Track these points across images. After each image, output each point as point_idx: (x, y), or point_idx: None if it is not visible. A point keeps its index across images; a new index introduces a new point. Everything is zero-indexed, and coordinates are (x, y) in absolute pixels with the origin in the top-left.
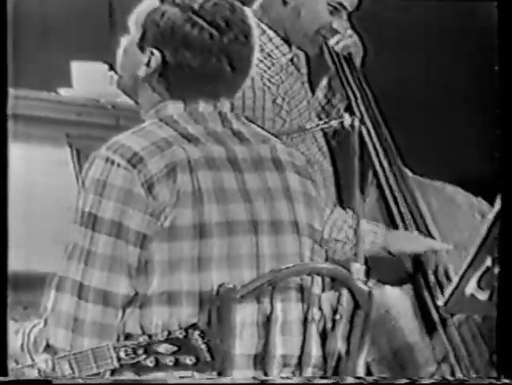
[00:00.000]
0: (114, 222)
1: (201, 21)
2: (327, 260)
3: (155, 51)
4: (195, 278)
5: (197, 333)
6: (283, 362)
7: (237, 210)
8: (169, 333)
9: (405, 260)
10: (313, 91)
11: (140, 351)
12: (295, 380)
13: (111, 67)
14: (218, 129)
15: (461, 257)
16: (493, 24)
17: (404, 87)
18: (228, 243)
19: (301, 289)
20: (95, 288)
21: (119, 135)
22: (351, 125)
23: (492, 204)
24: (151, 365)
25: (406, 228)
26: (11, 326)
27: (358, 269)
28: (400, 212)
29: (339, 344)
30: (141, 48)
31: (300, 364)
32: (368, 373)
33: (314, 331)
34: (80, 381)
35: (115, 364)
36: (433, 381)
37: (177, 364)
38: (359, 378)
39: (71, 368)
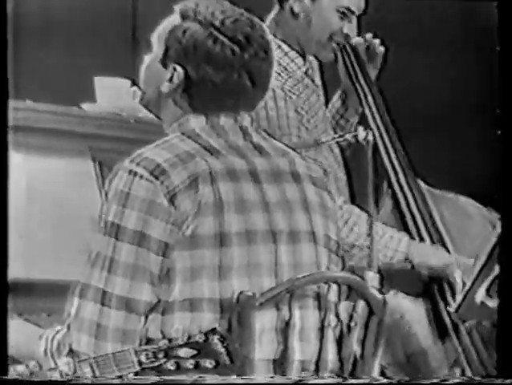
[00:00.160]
0: (136, 231)
1: (222, 37)
2: (343, 268)
3: (178, 67)
4: (216, 286)
5: (216, 337)
6: (301, 367)
7: (256, 220)
8: (189, 337)
9: (423, 271)
10: (327, 102)
11: (161, 355)
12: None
13: (134, 83)
14: (239, 142)
15: (472, 265)
16: (493, 24)
17: (404, 87)
18: (247, 252)
19: (318, 297)
20: (117, 295)
21: (143, 149)
22: (365, 139)
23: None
24: (172, 368)
25: (421, 238)
26: (36, 331)
27: (372, 277)
28: (415, 222)
29: (354, 349)
30: (164, 64)
31: (317, 369)
32: (383, 376)
33: (330, 337)
34: (83, 381)
35: (137, 368)
36: (434, 381)
37: (197, 367)
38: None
39: (93, 371)
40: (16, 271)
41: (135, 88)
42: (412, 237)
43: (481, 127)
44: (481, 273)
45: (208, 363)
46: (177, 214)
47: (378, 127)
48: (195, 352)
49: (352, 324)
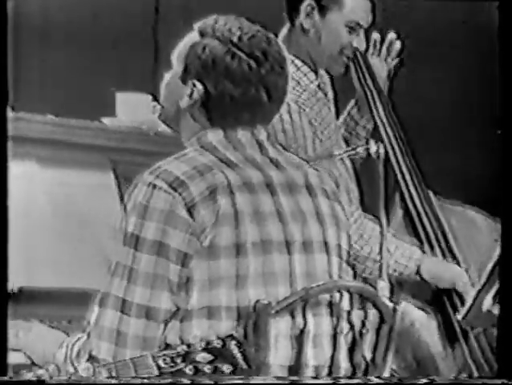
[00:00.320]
0: (156, 242)
1: (240, 52)
2: (354, 277)
3: (197, 83)
4: (233, 294)
5: (233, 343)
6: (315, 373)
7: (271, 231)
8: (207, 343)
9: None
10: (338, 114)
11: (179, 360)
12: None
13: (154, 98)
14: (256, 156)
15: (478, 275)
16: (494, 24)
17: (404, 88)
18: (263, 261)
19: (331, 305)
20: (137, 304)
21: (161, 161)
22: (377, 152)
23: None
24: (190, 373)
25: (431, 247)
26: (56, 337)
27: (383, 286)
28: (425, 231)
29: (366, 355)
30: (184, 81)
31: (330, 374)
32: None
33: (343, 344)
34: (83, 381)
35: (155, 372)
36: (437, 382)
37: (215, 372)
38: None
39: (111, 376)
40: (36, 279)
41: (155, 103)
42: (422, 249)
43: (482, 127)
44: (488, 282)
45: (225, 368)
46: (196, 225)
47: (389, 138)
48: (212, 357)
49: (364, 330)
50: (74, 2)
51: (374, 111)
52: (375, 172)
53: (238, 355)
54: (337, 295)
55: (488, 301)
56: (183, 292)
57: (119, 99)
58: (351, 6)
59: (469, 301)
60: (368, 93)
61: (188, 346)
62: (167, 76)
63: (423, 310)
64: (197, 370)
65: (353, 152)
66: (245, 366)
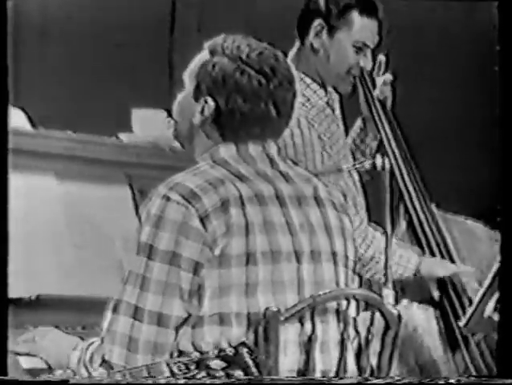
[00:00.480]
0: (168, 251)
1: (249, 69)
2: (360, 285)
3: (209, 99)
4: (243, 302)
5: (245, 350)
6: (322, 376)
7: (281, 241)
8: (220, 350)
9: (432, 284)
10: (346, 130)
11: (193, 367)
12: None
13: (169, 114)
14: (267, 169)
15: (480, 282)
16: (494, 24)
17: (404, 87)
18: (272, 270)
19: (338, 312)
20: (149, 310)
21: (176, 175)
22: (383, 166)
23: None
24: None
25: (433, 256)
26: (71, 342)
27: (387, 294)
28: (428, 242)
29: (371, 360)
30: (196, 98)
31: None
32: None
33: (349, 349)
34: (81, 381)
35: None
36: (436, 382)
37: (227, 378)
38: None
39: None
40: (53, 287)
41: (170, 119)
42: (423, 253)
43: (482, 127)
44: (490, 289)
45: (237, 374)
46: (208, 235)
47: (394, 154)
48: (225, 364)
49: (370, 336)
50: (88, 21)
51: (380, 128)
52: (381, 184)
53: (250, 362)
54: (344, 303)
55: (490, 308)
56: (195, 299)
57: (136, 115)
58: (359, 26)
59: (471, 308)
60: (374, 111)
61: (202, 353)
62: (179, 95)
63: (425, 313)
64: (209, 377)
65: (360, 166)
66: (256, 373)
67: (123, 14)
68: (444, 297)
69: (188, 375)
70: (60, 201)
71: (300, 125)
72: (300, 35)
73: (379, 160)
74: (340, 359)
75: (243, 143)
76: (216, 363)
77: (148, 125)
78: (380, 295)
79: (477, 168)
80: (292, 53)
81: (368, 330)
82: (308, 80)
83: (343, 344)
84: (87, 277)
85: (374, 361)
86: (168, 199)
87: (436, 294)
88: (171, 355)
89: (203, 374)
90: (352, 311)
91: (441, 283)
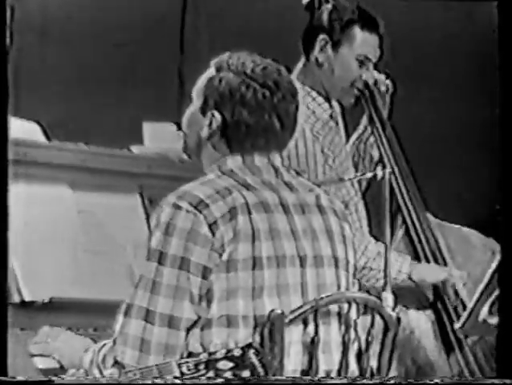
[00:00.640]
0: (178, 257)
1: (254, 83)
2: (359, 289)
3: (216, 113)
4: (250, 304)
5: (252, 351)
6: (325, 376)
7: (285, 246)
8: (228, 351)
9: (427, 289)
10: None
11: (201, 367)
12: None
13: (179, 127)
14: (272, 179)
15: (475, 287)
16: (494, 24)
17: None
18: (277, 274)
19: (339, 315)
20: (160, 313)
21: (185, 185)
22: (383, 177)
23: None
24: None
25: (428, 263)
26: (83, 343)
27: (387, 297)
28: (423, 249)
29: (371, 361)
30: (203, 112)
31: (340, 377)
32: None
33: (351, 350)
34: (84, 381)
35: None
36: (437, 381)
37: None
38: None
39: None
40: (66, 291)
41: (179, 132)
42: (418, 259)
43: (481, 127)
44: (484, 294)
45: (244, 375)
46: (216, 241)
47: (391, 166)
48: (233, 364)
49: (370, 338)
50: (103, 36)
51: (379, 141)
52: (381, 195)
53: (257, 363)
54: (345, 306)
55: (484, 312)
56: (204, 302)
57: (147, 128)
58: (361, 41)
59: (466, 312)
60: (375, 124)
61: (210, 354)
62: (188, 110)
63: (421, 316)
64: (217, 377)
65: (362, 177)
66: (262, 373)
67: (136, 32)
68: (438, 301)
69: (196, 375)
70: (74, 210)
71: (305, 137)
72: (305, 50)
73: (379, 172)
74: (342, 360)
75: (249, 154)
76: (223, 364)
77: (159, 138)
78: (380, 298)
79: (477, 168)
80: (298, 68)
81: (369, 333)
82: (314, 94)
83: (344, 345)
84: (98, 281)
85: (374, 362)
86: (177, 207)
87: (430, 298)
88: (181, 356)
89: (211, 374)
90: (353, 314)
91: (434, 287)
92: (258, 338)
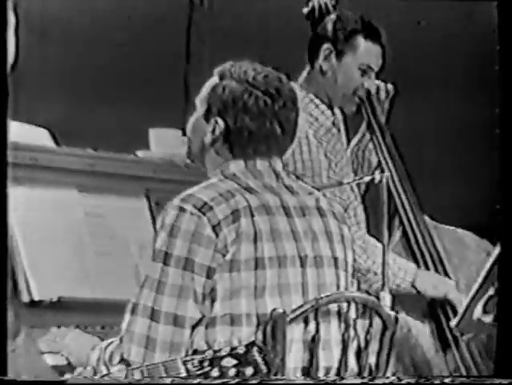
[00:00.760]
0: (183, 257)
1: (255, 90)
2: (358, 289)
3: (219, 119)
4: (252, 303)
5: (255, 349)
6: (325, 372)
7: (286, 247)
8: (232, 349)
9: (426, 295)
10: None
11: (206, 364)
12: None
13: (184, 133)
14: (273, 184)
15: (470, 287)
16: (493, 24)
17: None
18: (279, 274)
19: (339, 313)
20: (165, 312)
21: (190, 189)
22: (380, 181)
23: (494, 243)
24: (215, 375)
25: (425, 264)
26: (90, 341)
27: (385, 297)
28: (420, 250)
29: (370, 359)
30: (207, 119)
31: (339, 374)
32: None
33: (351, 347)
34: (86, 381)
35: (184, 374)
36: (436, 382)
37: (238, 375)
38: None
39: (143, 377)
40: (74, 290)
41: (184, 137)
42: (418, 266)
43: (481, 127)
44: (478, 294)
45: (247, 371)
46: (220, 242)
47: (390, 171)
48: (236, 361)
49: (369, 337)
50: (105, 43)
51: (377, 147)
52: (379, 198)
53: (260, 360)
54: (345, 305)
55: (478, 311)
56: (207, 301)
57: (153, 134)
58: (364, 50)
59: (461, 311)
60: (374, 131)
61: (215, 351)
62: (191, 118)
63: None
64: (222, 374)
65: (360, 181)
66: (265, 370)
67: (143, 42)
68: (436, 303)
69: (201, 372)
70: (82, 212)
71: (309, 142)
72: (310, 59)
73: (377, 176)
74: (342, 357)
75: (251, 159)
76: (228, 361)
77: (164, 143)
78: (378, 298)
79: (477, 168)
80: (303, 76)
81: (367, 331)
82: (317, 101)
83: (344, 343)
84: (105, 280)
85: (373, 359)
86: (181, 209)
87: (428, 300)
88: (186, 353)
89: (215, 370)
90: (352, 313)
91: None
92: (260, 336)
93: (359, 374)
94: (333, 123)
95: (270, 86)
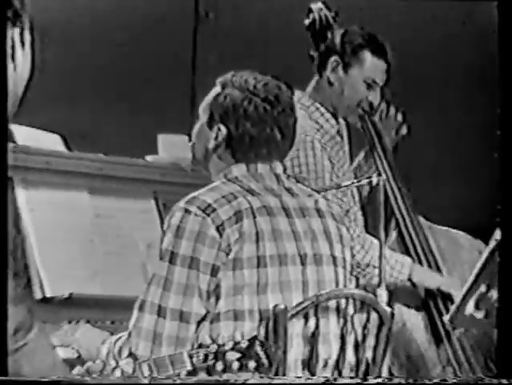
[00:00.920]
0: (188, 256)
1: (255, 98)
2: (356, 286)
3: (221, 126)
4: (254, 299)
5: (257, 343)
6: (324, 364)
7: (287, 246)
8: (235, 343)
9: (421, 289)
10: (351, 158)
11: (210, 357)
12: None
13: (191, 139)
14: (274, 186)
15: (462, 284)
16: (493, 24)
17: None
18: (280, 272)
19: (338, 309)
20: (171, 308)
21: (195, 192)
22: (378, 183)
23: (487, 243)
24: (219, 368)
25: (420, 262)
26: (100, 336)
27: (381, 293)
28: (415, 249)
29: (367, 353)
30: (210, 127)
31: (338, 366)
32: (390, 374)
33: (348, 342)
34: (89, 381)
35: (189, 367)
36: (436, 381)
37: (241, 368)
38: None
39: (150, 370)
40: (85, 287)
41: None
42: (413, 260)
43: (481, 127)
44: (470, 291)
45: (250, 365)
46: (223, 242)
47: (386, 174)
48: (240, 355)
49: (366, 331)
50: (117, 55)
51: (379, 164)
52: (376, 201)
53: (262, 354)
54: (343, 301)
55: (470, 306)
56: (212, 298)
57: (161, 139)
58: (370, 64)
59: (454, 306)
60: (374, 149)
61: (219, 345)
62: (195, 127)
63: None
64: (226, 366)
65: (358, 184)
66: (267, 364)
67: (153, 54)
68: (430, 298)
69: (206, 365)
70: (92, 213)
71: (314, 147)
72: (318, 70)
73: (375, 179)
74: (340, 350)
75: (253, 163)
76: (231, 354)
77: (172, 148)
78: (375, 295)
79: (477, 168)
80: (311, 85)
81: (365, 326)
82: (322, 110)
83: (342, 337)
84: (114, 278)
85: (370, 354)
86: (187, 211)
87: (422, 295)
88: (191, 347)
89: (219, 363)
90: (351, 309)
91: (428, 290)
92: (262, 331)
93: (357, 366)
94: (337, 132)
95: (269, 93)
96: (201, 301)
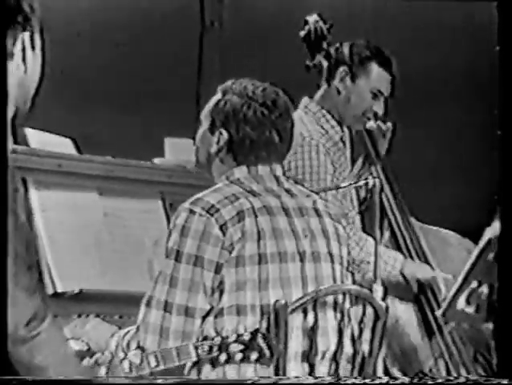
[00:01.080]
0: (193, 255)
1: (254, 103)
2: (353, 281)
3: (223, 131)
4: (256, 295)
5: (259, 335)
6: (322, 356)
7: (287, 244)
8: (238, 335)
9: (413, 283)
10: (352, 164)
11: (215, 349)
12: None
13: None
14: (274, 187)
15: (453, 281)
16: (493, 24)
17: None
18: (280, 268)
19: (335, 304)
20: (177, 304)
21: (199, 194)
22: (373, 185)
23: (476, 242)
24: (223, 359)
25: (411, 258)
26: (109, 329)
27: (377, 289)
28: (407, 248)
29: (363, 346)
30: (212, 132)
31: (335, 358)
32: (384, 366)
33: (345, 335)
34: (96, 381)
35: (194, 358)
36: (440, 381)
37: (244, 359)
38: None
39: (157, 361)
40: (94, 283)
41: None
42: (405, 257)
43: (482, 128)
44: (461, 286)
45: (253, 356)
46: (226, 240)
47: (379, 176)
48: (243, 347)
49: (362, 326)
50: (119, 66)
51: (373, 169)
52: (372, 201)
53: (264, 346)
54: (340, 296)
55: (461, 302)
56: (216, 293)
57: (168, 143)
58: (376, 75)
59: (446, 301)
60: (369, 154)
61: (223, 338)
62: (198, 133)
63: (405, 306)
64: (229, 358)
65: (355, 185)
66: (269, 355)
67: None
68: (422, 294)
69: (210, 356)
70: (102, 213)
71: (318, 150)
72: (327, 80)
73: (371, 181)
74: (337, 343)
75: (253, 165)
76: (235, 346)
77: (178, 151)
78: (371, 290)
79: (477, 169)
80: (320, 92)
81: (361, 320)
82: (329, 116)
83: (339, 330)
84: (122, 275)
85: (366, 347)
86: (191, 212)
87: (415, 290)
88: (197, 340)
89: (223, 355)
90: (347, 304)
91: (420, 282)
92: (264, 325)
93: (353, 358)
94: (341, 138)
95: (267, 98)
96: (206, 296)
